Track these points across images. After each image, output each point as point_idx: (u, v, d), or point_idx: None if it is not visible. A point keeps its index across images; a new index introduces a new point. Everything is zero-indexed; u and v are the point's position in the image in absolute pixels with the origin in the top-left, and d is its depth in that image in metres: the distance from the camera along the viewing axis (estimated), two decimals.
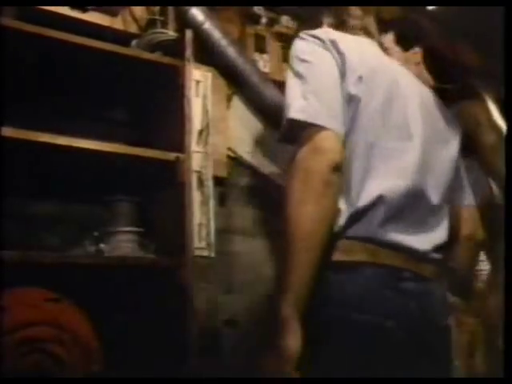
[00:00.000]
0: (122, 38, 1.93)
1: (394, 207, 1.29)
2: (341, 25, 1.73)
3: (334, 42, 1.35)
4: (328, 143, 1.23)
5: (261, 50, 2.39)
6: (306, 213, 1.18)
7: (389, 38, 1.87)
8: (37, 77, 1.72)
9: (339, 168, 1.22)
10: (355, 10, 1.72)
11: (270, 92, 2.29)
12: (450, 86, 1.91)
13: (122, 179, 1.81)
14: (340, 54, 1.34)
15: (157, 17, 2.04)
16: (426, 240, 1.36)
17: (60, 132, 1.60)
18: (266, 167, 2.36)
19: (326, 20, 1.71)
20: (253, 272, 2.28)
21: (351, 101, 1.31)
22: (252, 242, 2.29)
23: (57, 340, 1.39)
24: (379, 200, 1.27)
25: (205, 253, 1.83)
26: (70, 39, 1.65)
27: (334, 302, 1.22)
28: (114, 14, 1.99)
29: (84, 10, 1.91)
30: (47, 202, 1.80)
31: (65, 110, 1.79)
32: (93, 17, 1.93)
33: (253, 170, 2.31)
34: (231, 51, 2.25)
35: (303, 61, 1.33)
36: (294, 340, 1.14)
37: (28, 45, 1.59)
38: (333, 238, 1.22)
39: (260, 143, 2.37)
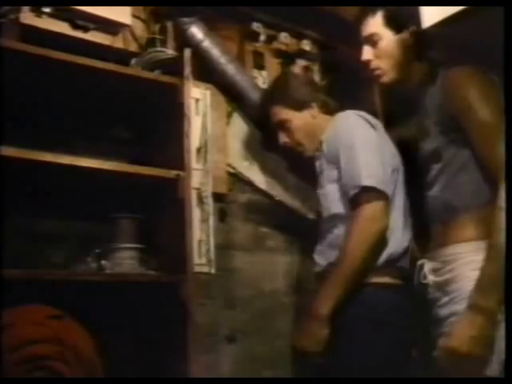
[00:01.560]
0: (123, 56, 1.95)
1: None
2: (325, 105, 2.12)
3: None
4: (382, 213, 1.79)
5: (259, 66, 2.41)
6: (360, 254, 1.76)
7: (377, 21, 1.86)
8: (38, 97, 1.74)
9: (385, 231, 1.79)
10: None
11: None
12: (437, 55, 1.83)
13: (123, 197, 1.83)
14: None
15: (156, 35, 2.07)
16: None
17: (63, 151, 1.62)
18: (266, 183, 2.38)
19: (314, 104, 2.09)
20: (253, 287, 2.30)
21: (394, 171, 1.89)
22: (252, 257, 2.31)
23: (59, 357, 1.40)
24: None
25: (205, 269, 1.84)
26: (71, 59, 1.68)
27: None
28: (114, 34, 2.01)
29: (86, 30, 1.93)
30: (50, 219, 1.82)
31: (67, 130, 1.81)
32: (94, 36, 1.95)
33: (252, 186, 2.34)
34: (230, 68, 2.28)
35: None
36: (324, 330, 1.75)
37: (30, 66, 1.62)
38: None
39: (260, 159, 2.39)
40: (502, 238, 1.51)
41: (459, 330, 1.54)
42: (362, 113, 1.99)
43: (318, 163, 2.06)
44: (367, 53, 1.87)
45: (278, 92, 2.15)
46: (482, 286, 1.53)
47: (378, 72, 1.86)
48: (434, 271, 1.73)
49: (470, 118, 1.65)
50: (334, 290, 1.77)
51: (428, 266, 1.76)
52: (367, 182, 1.79)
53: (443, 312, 1.67)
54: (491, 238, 1.54)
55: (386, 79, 1.86)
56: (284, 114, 2.11)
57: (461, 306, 1.59)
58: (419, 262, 1.80)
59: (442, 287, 1.69)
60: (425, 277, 1.75)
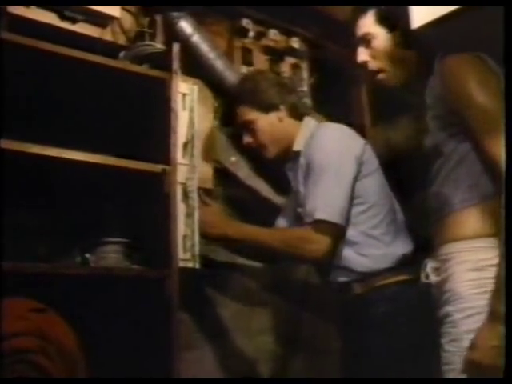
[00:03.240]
0: (111, 49, 1.94)
1: None
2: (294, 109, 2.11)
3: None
4: (327, 246, 1.87)
5: (248, 63, 2.41)
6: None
7: (369, 21, 1.82)
8: (24, 88, 1.72)
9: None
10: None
11: None
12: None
13: (108, 190, 1.82)
14: None
15: (145, 29, 2.06)
16: None
17: (49, 144, 1.61)
18: (252, 179, 2.38)
19: (282, 107, 2.08)
20: (238, 283, 2.29)
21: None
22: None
23: (41, 351, 1.39)
24: None
25: (190, 264, 1.84)
26: (59, 51, 1.66)
27: None
28: (103, 26, 2.00)
29: (74, 22, 1.92)
30: (34, 212, 1.80)
31: (53, 122, 1.79)
32: (82, 28, 1.94)
33: (239, 182, 2.33)
34: (219, 64, 2.27)
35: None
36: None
37: (16, 56, 1.60)
38: None
39: (246, 155, 2.39)
40: None
41: (480, 340, 1.46)
42: (345, 129, 2.02)
43: (291, 174, 2.09)
44: (363, 54, 1.83)
45: (246, 92, 2.12)
46: (500, 291, 1.44)
47: (381, 75, 1.82)
48: (435, 270, 1.70)
49: (470, 105, 1.57)
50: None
51: (430, 264, 1.73)
52: (322, 215, 1.85)
53: (440, 312, 1.63)
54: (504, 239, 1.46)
55: (388, 81, 1.82)
56: (250, 114, 2.09)
57: (453, 308, 1.56)
58: (424, 262, 1.76)
59: (440, 287, 1.65)
60: (427, 276, 1.73)
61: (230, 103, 2.22)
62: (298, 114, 2.12)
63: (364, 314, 1.88)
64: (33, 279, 1.54)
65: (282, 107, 2.09)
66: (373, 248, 1.90)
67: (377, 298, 1.87)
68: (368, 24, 1.82)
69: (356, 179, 1.92)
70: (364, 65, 1.83)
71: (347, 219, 1.89)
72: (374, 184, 1.97)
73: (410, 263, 1.89)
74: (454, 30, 1.64)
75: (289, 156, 2.08)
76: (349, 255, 1.90)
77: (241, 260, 2.27)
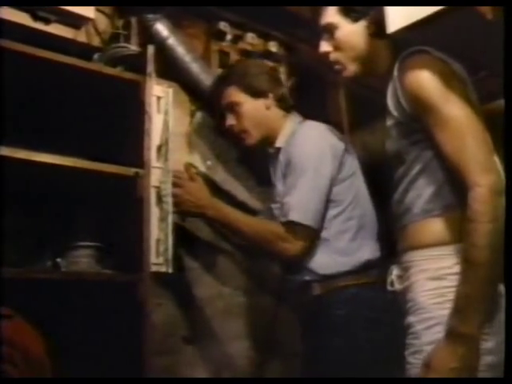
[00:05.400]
0: (85, 51, 1.92)
1: None
2: (282, 100, 2.10)
3: None
4: (301, 248, 1.89)
5: (225, 66, 2.39)
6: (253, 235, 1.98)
7: (332, 11, 1.74)
8: None
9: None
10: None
11: None
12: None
13: (80, 193, 1.80)
14: None
15: (120, 31, 2.04)
16: None
17: (18, 146, 1.58)
18: (228, 183, 2.37)
19: (271, 95, 2.07)
20: (214, 288, 2.28)
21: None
22: (212, 257, 2.29)
23: (8, 358, 1.36)
24: None
25: (162, 269, 1.82)
26: (31, 52, 1.64)
27: None
28: (77, 27, 1.98)
29: (47, 22, 1.89)
30: (3, 215, 1.77)
31: (23, 124, 1.76)
32: (56, 29, 1.91)
33: (214, 186, 2.32)
34: (195, 67, 2.26)
35: None
36: None
37: None
38: None
39: (223, 159, 2.38)
40: (479, 255, 1.37)
41: (438, 360, 1.41)
42: (327, 129, 2.01)
43: (271, 169, 2.09)
44: (324, 45, 1.75)
45: (236, 74, 2.10)
46: (460, 309, 1.41)
47: (338, 66, 1.75)
48: (399, 278, 1.67)
49: (434, 115, 1.50)
50: None
51: (395, 272, 1.69)
52: (296, 216, 1.87)
53: (404, 322, 1.58)
54: (467, 255, 1.41)
55: (347, 73, 1.75)
56: (237, 96, 2.07)
57: (415, 318, 1.52)
58: (391, 267, 1.73)
59: (403, 295, 1.62)
60: (392, 284, 1.69)
61: (216, 84, 2.18)
62: (285, 106, 2.11)
63: (323, 315, 1.88)
64: (3, 284, 1.51)
65: (270, 95, 2.08)
66: (338, 253, 1.90)
67: (336, 300, 1.86)
68: (331, 14, 1.74)
69: (333, 182, 1.92)
70: (325, 56, 1.76)
71: (321, 222, 1.89)
72: (351, 187, 1.96)
73: (374, 268, 1.89)
74: (432, 33, 1.55)
75: (269, 147, 2.08)
76: (313, 256, 1.90)
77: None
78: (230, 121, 2.10)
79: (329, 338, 1.83)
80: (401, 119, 1.60)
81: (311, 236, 1.89)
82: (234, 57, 2.45)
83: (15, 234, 1.76)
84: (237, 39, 2.48)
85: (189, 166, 2.13)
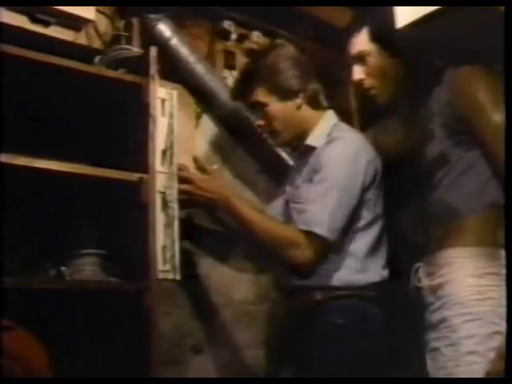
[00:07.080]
0: (86, 54, 1.88)
1: None
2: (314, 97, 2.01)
3: None
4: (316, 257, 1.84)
5: (230, 66, 2.36)
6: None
7: (363, 38, 1.83)
8: None
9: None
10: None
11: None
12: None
13: (83, 200, 1.76)
14: None
15: (121, 32, 2.00)
16: None
17: (19, 152, 1.54)
18: (235, 187, 2.32)
19: (301, 95, 1.98)
20: (222, 296, 2.24)
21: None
22: (221, 264, 2.24)
23: (8, 372, 1.32)
24: None
25: (170, 276, 1.77)
26: (30, 56, 1.60)
27: None
28: (77, 29, 1.94)
29: (46, 25, 1.86)
30: (6, 223, 1.73)
31: (23, 129, 1.73)
32: (55, 31, 1.87)
33: None
34: (199, 68, 2.22)
35: None
36: None
37: None
38: None
39: (229, 162, 2.34)
40: None
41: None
42: (361, 139, 1.97)
43: (296, 163, 2.07)
44: (358, 72, 1.84)
45: (263, 71, 1.97)
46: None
47: (373, 92, 1.84)
48: (429, 275, 1.72)
49: (483, 119, 1.62)
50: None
51: (424, 269, 1.75)
52: (320, 230, 1.82)
53: (435, 317, 1.66)
54: None
55: (382, 99, 1.84)
56: (264, 97, 1.96)
57: (451, 312, 1.60)
58: (415, 266, 1.78)
59: (435, 291, 1.68)
60: (419, 280, 1.75)
61: (242, 80, 2.06)
62: (316, 104, 2.02)
63: (319, 321, 1.86)
64: (4, 295, 1.47)
65: (301, 95, 1.97)
66: (348, 269, 1.87)
67: (334, 308, 1.85)
68: (362, 41, 1.83)
69: (362, 197, 1.88)
70: (360, 83, 1.85)
71: (341, 237, 1.86)
72: (374, 208, 1.93)
73: (379, 285, 1.88)
74: (438, 31, 1.65)
75: (300, 144, 2.02)
76: (322, 268, 1.88)
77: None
78: (259, 121, 2.04)
79: (321, 345, 1.82)
80: (448, 121, 1.70)
81: (326, 248, 1.86)
82: (239, 56, 2.43)
83: (17, 243, 1.72)
84: (242, 38, 2.45)
85: (198, 158, 2.08)
